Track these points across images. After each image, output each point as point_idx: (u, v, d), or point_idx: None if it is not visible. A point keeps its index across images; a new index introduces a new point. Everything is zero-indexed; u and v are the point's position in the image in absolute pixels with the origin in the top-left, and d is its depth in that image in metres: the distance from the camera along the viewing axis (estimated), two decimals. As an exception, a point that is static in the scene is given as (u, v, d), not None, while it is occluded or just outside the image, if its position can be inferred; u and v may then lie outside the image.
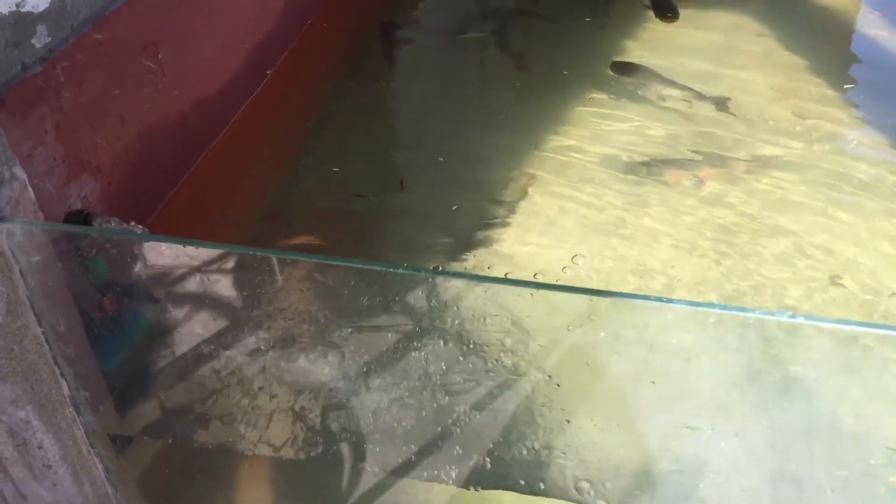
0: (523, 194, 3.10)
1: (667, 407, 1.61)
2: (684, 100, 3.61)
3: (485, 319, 1.71)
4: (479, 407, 1.82)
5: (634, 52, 4.00)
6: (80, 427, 2.09)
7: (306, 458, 2.09)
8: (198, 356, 2.11)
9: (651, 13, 4.32)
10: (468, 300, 1.73)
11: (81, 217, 2.26)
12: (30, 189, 1.83)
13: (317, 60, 4.00)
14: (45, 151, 2.30)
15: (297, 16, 4.06)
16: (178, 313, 2.11)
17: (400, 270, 1.68)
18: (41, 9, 2.25)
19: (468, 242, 2.87)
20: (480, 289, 1.70)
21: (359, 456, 2.05)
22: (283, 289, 1.92)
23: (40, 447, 1.99)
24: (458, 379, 1.85)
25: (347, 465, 2.09)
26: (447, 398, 1.87)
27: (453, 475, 1.91)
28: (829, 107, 3.56)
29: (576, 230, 2.89)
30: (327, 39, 4.17)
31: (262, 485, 2.28)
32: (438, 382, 1.86)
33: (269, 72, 3.71)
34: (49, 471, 2.04)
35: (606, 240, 2.82)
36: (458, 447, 1.89)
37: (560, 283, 2.63)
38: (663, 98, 3.64)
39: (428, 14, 4.59)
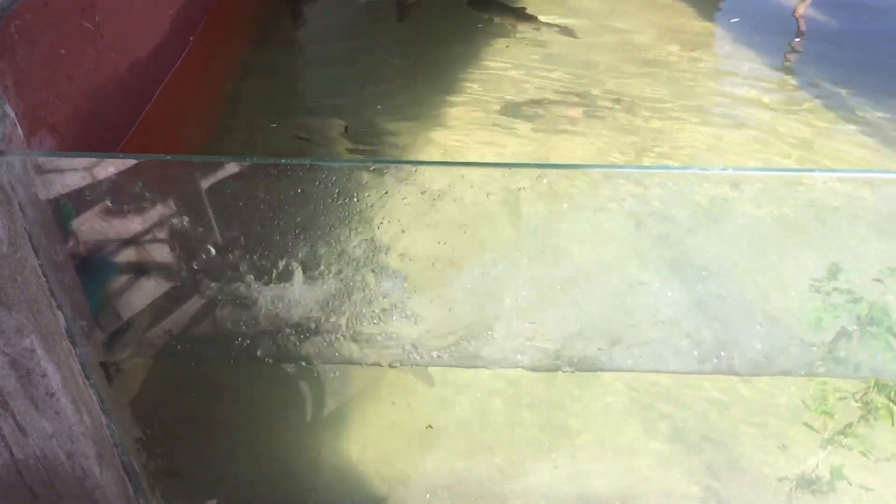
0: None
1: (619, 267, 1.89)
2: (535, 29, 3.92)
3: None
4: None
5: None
6: (76, 359, 2.22)
7: (284, 364, 2.29)
8: (170, 279, 2.27)
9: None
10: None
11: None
12: (19, 127, 1.95)
13: (235, 25, 4.13)
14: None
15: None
16: (145, 246, 2.26)
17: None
18: (-8, -31, 2.34)
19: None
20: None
21: (337, 356, 2.25)
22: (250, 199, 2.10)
23: (44, 375, 2.11)
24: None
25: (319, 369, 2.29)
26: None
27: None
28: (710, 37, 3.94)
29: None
30: (240, 12, 4.30)
31: (243, 395, 2.46)
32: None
33: (191, 38, 3.82)
34: (52, 399, 2.16)
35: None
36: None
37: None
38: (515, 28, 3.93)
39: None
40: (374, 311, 2.09)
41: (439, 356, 2.08)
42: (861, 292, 2.14)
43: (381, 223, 1.95)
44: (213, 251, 2.24)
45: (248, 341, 2.24)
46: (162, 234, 2.25)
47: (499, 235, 1.94)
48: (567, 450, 2.53)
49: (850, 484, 2.25)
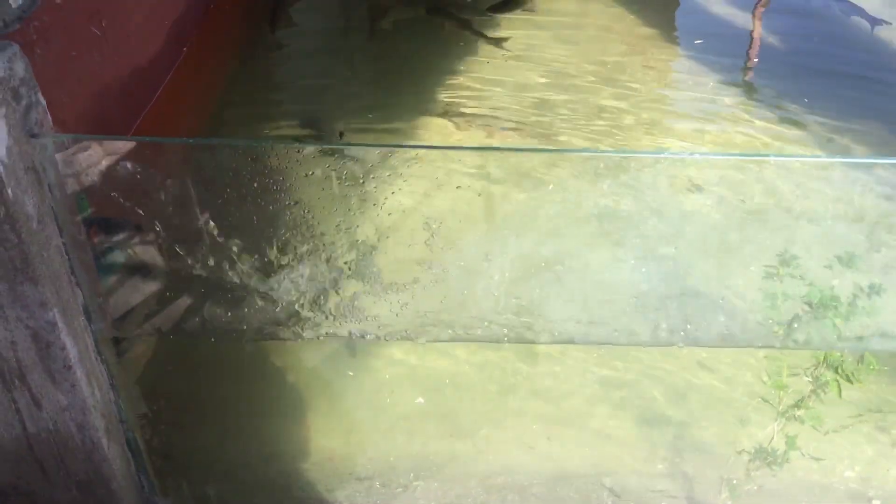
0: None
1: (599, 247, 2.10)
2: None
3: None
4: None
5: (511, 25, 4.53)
6: (91, 335, 2.37)
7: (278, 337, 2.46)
8: (177, 260, 2.44)
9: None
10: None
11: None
12: (49, 114, 2.12)
13: (224, 35, 4.33)
14: (25, 102, 2.56)
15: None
16: (155, 228, 2.43)
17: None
18: (14, -27, 2.51)
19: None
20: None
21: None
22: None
23: (63, 349, 2.26)
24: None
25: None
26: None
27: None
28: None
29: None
30: (232, 17, 4.50)
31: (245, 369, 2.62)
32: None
33: (185, 48, 4.00)
34: (69, 372, 2.30)
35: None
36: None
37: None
38: None
39: None
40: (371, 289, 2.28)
41: (421, 330, 2.27)
42: (812, 277, 2.38)
43: (367, 203, 2.14)
44: (218, 235, 2.42)
45: (254, 318, 2.41)
46: (172, 218, 2.42)
47: (479, 217, 2.13)
48: (539, 429, 2.72)
49: (803, 455, 2.46)
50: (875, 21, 4.57)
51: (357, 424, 2.79)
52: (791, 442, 2.47)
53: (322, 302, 2.44)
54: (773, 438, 2.51)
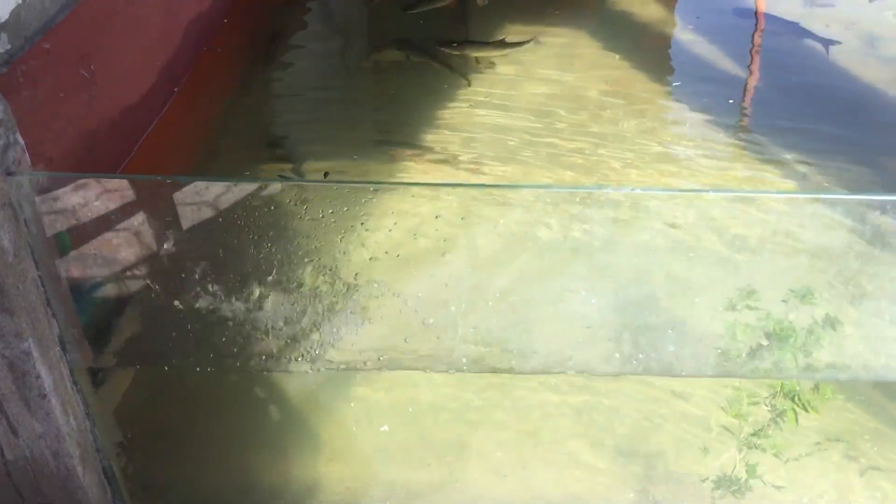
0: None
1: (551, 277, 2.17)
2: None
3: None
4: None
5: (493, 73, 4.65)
6: (66, 364, 2.45)
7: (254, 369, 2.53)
8: (150, 291, 2.53)
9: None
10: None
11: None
12: (27, 154, 2.22)
13: (217, 76, 4.46)
14: (11, 141, 2.67)
15: (197, 41, 4.50)
16: (132, 262, 2.52)
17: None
18: (2, 19, 2.64)
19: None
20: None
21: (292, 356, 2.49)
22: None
23: (38, 377, 2.33)
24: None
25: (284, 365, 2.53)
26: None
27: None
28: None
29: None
30: (225, 58, 4.64)
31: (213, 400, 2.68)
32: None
33: (175, 89, 4.13)
34: (44, 401, 2.38)
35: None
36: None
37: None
38: None
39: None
40: (338, 320, 2.36)
41: (386, 359, 2.33)
42: (771, 310, 2.44)
43: (341, 237, 2.23)
44: (193, 267, 2.51)
45: (226, 349, 2.48)
46: (149, 252, 2.52)
47: (445, 248, 2.21)
48: (512, 458, 2.77)
49: (764, 483, 2.50)
50: (827, 42, 4.74)
51: (333, 453, 2.85)
52: (752, 470, 2.51)
53: (293, 334, 2.51)
54: (735, 467, 2.56)
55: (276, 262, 2.42)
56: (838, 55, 4.58)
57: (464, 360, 2.29)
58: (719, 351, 2.35)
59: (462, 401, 2.83)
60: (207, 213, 2.39)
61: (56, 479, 2.53)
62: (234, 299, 2.51)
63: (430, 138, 3.92)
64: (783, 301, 2.43)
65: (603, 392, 2.88)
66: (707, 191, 2.01)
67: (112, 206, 2.51)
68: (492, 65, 4.57)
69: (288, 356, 2.49)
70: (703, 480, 2.59)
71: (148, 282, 2.55)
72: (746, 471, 2.51)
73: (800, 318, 2.41)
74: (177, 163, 3.73)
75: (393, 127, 4.12)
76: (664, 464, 2.73)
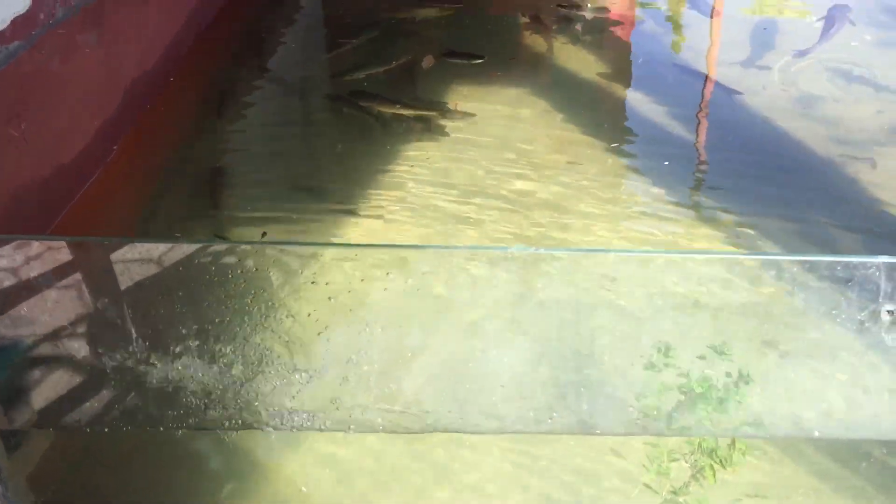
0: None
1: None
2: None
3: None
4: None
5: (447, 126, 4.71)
6: (-25, 429, 2.40)
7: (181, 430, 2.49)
8: (69, 353, 2.49)
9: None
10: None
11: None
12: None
13: (157, 138, 4.47)
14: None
15: (140, 100, 4.52)
16: (50, 328, 2.49)
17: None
18: (-76, 78, 2.64)
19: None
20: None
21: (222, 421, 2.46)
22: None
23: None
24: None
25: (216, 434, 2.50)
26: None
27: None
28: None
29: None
30: (165, 121, 4.65)
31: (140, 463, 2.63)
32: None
33: (115, 147, 4.13)
34: (-52, 466, 2.33)
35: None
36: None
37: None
38: None
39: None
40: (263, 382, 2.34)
41: (308, 422, 2.31)
42: (688, 367, 2.45)
43: (257, 299, 2.22)
44: (113, 329, 2.48)
45: (149, 410, 2.45)
46: (69, 312, 2.49)
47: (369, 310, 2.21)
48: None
49: (688, 541, 2.49)
50: (731, 92, 4.87)
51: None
52: (674, 529, 2.50)
53: (217, 395, 2.48)
54: (658, 526, 2.54)
55: (198, 323, 2.41)
56: (775, 113, 4.70)
57: (379, 420, 2.27)
58: (635, 408, 2.36)
59: (385, 461, 2.80)
60: (128, 273, 2.37)
61: (-37, 545, 2.46)
62: (154, 360, 2.48)
63: (363, 197, 3.94)
64: (700, 357, 2.45)
65: (543, 447, 2.86)
66: (609, 251, 2.03)
67: (32, 266, 2.49)
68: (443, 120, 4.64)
69: (205, 415, 2.45)
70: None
71: (67, 343, 2.51)
72: (669, 529, 2.50)
73: (717, 374, 2.43)
74: (110, 222, 3.71)
75: (334, 185, 4.13)
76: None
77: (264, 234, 3.70)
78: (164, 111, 4.71)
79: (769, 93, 4.93)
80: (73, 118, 3.70)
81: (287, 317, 2.31)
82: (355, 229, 3.73)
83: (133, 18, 4.47)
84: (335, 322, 2.28)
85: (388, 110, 4.75)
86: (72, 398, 2.55)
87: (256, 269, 2.22)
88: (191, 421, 2.48)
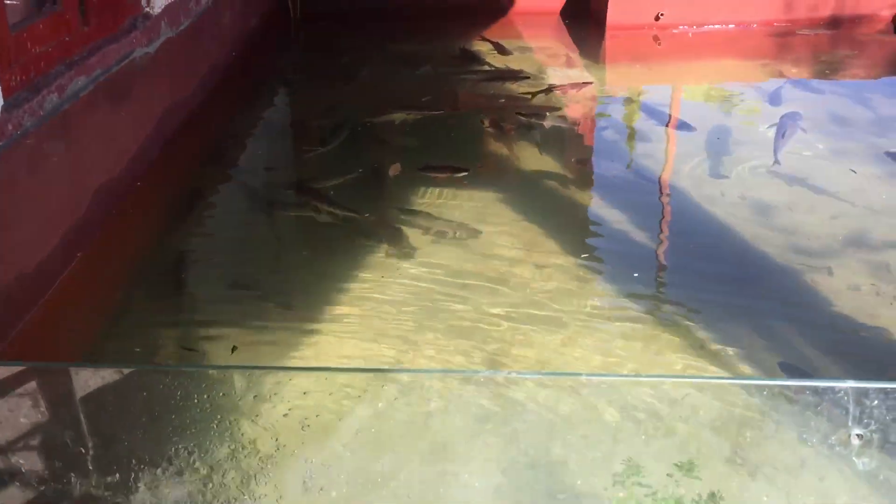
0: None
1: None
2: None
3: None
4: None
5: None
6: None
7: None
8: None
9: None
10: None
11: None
12: None
13: (123, 243, 4.44)
14: None
15: (106, 206, 4.51)
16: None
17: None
18: None
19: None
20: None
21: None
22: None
23: None
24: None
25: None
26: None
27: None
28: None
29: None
30: (131, 226, 4.63)
31: None
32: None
33: (79, 254, 4.10)
34: None
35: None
36: None
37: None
38: None
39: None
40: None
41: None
42: (657, 485, 2.43)
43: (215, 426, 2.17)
44: (71, 452, 2.40)
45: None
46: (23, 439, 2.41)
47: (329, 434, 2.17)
48: None
49: None
50: (690, 199, 4.98)
51: None
52: None
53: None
54: None
55: (154, 445, 2.34)
56: (734, 221, 4.82)
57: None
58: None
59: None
60: (82, 397, 2.31)
61: None
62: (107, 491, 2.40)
63: (321, 311, 3.91)
64: (668, 475, 2.43)
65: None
66: (579, 374, 2.04)
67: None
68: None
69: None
70: None
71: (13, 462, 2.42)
72: None
73: (685, 492, 2.41)
74: (71, 331, 3.64)
75: (300, 295, 4.10)
76: None
77: (234, 348, 3.63)
78: (130, 216, 4.70)
79: (727, 200, 5.06)
80: (38, 226, 3.67)
81: (249, 442, 2.26)
82: (315, 344, 3.68)
83: (101, 127, 4.50)
84: (303, 446, 2.23)
85: (347, 214, 4.78)
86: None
87: (223, 394, 2.18)
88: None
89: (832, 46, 8.29)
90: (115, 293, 4.09)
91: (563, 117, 6.37)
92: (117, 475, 2.34)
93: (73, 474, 2.35)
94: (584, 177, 5.53)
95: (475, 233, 4.63)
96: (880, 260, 4.39)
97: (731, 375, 2.99)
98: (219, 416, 2.21)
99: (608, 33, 8.55)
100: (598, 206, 5.12)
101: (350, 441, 2.17)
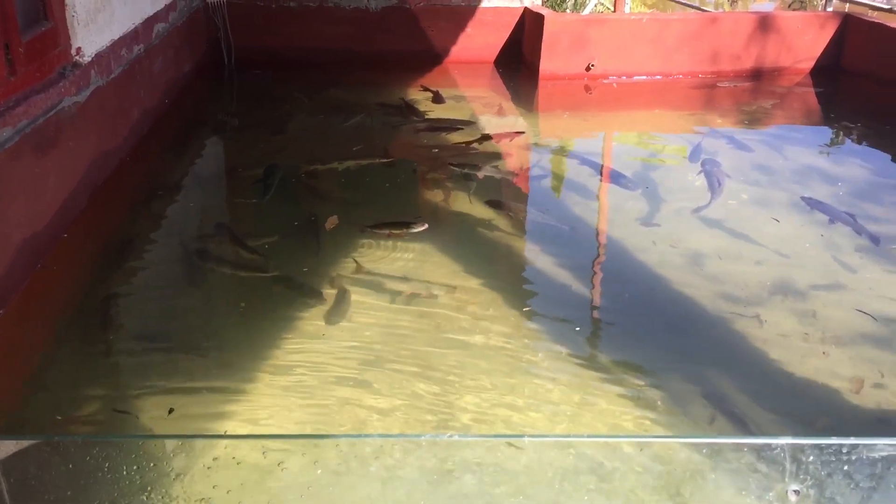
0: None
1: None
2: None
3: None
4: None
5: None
6: None
7: None
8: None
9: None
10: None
11: None
12: None
13: (46, 299, 4.29)
14: None
15: (29, 262, 4.36)
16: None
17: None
18: None
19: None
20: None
21: None
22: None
23: None
24: None
25: None
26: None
27: None
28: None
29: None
30: (56, 281, 4.48)
31: None
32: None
33: (1, 311, 3.94)
34: None
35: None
36: None
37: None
38: None
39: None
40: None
41: None
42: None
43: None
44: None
45: None
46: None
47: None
48: None
49: None
50: (623, 248, 5.11)
51: None
52: None
53: None
54: None
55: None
56: (666, 270, 4.90)
57: None
58: None
59: None
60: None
61: None
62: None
63: (267, 367, 3.83)
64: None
65: None
66: (523, 436, 2.02)
67: None
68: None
69: None
70: None
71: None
72: None
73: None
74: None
75: (235, 352, 4.00)
76: None
77: (171, 410, 3.50)
78: (55, 271, 4.55)
79: (659, 249, 5.15)
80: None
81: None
82: (251, 407, 3.58)
83: (26, 179, 4.37)
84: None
85: (282, 271, 4.71)
86: None
87: (154, 464, 2.10)
88: None
89: (754, 97, 8.60)
90: (35, 355, 3.93)
91: (497, 167, 6.43)
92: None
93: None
94: (519, 227, 5.56)
95: (413, 286, 4.61)
96: (806, 307, 4.52)
97: (671, 434, 3.01)
98: (149, 488, 2.13)
99: (541, 83, 8.73)
100: (533, 256, 5.16)
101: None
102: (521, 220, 5.67)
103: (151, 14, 7.08)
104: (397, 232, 5.18)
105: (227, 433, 3.15)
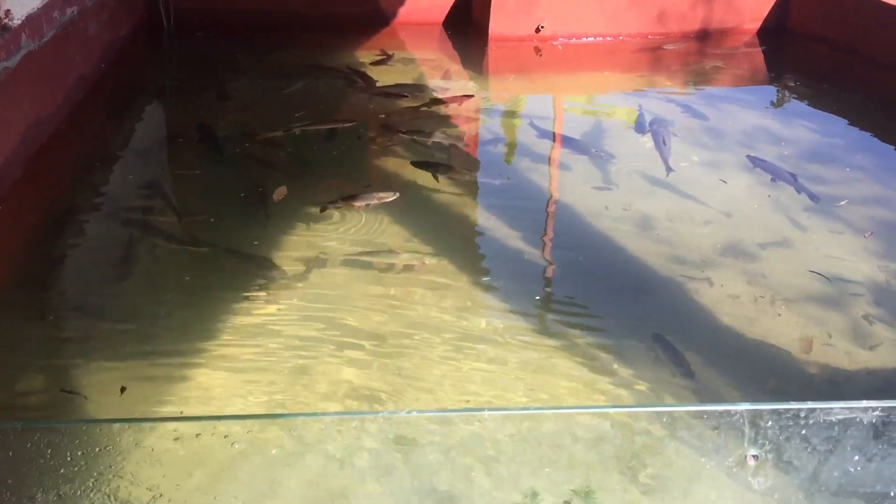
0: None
1: None
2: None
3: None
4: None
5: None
6: None
7: None
8: None
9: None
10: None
11: None
12: None
13: None
14: None
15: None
16: None
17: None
18: None
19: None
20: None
21: None
22: None
23: None
24: None
25: None
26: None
27: None
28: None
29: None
30: None
31: None
32: None
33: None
34: None
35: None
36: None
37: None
38: None
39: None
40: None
41: None
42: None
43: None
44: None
45: None
46: None
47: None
48: None
49: None
50: (576, 213, 5.08)
51: None
52: None
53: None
54: None
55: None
56: (618, 235, 4.90)
57: None
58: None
59: None
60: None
61: None
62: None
63: (215, 344, 3.73)
64: (566, 502, 2.41)
65: None
66: (482, 409, 1.99)
67: None
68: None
69: None
70: None
71: None
72: None
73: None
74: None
75: (180, 329, 3.88)
76: None
77: (123, 388, 3.39)
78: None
79: (611, 213, 5.14)
80: None
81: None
82: (200, 385, 3.48)
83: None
84: (191, 499, 2.09)
85: (228, 245, 4.57)
86: None
87: (107, 447, 2.01)
88: None
89: (701, 58, 8.61)
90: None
91: (447, 132, 6.33)
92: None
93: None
94: (471, 192, 5.50)
95: (366, 254, 4.54)
96: (755, 268, 4.56)
97: (631, 404, 3.01)
98: (95, 474, 2.05)
99: (490, 44, 8.61)
100: (486, 222, 5.11)
101: (240, 492, 2.05)
102: (472, 185, 5.60)
103: (85, -26, 6.79)
104: (368, 203, 5.06)
105: (183, 414, 3.06)
